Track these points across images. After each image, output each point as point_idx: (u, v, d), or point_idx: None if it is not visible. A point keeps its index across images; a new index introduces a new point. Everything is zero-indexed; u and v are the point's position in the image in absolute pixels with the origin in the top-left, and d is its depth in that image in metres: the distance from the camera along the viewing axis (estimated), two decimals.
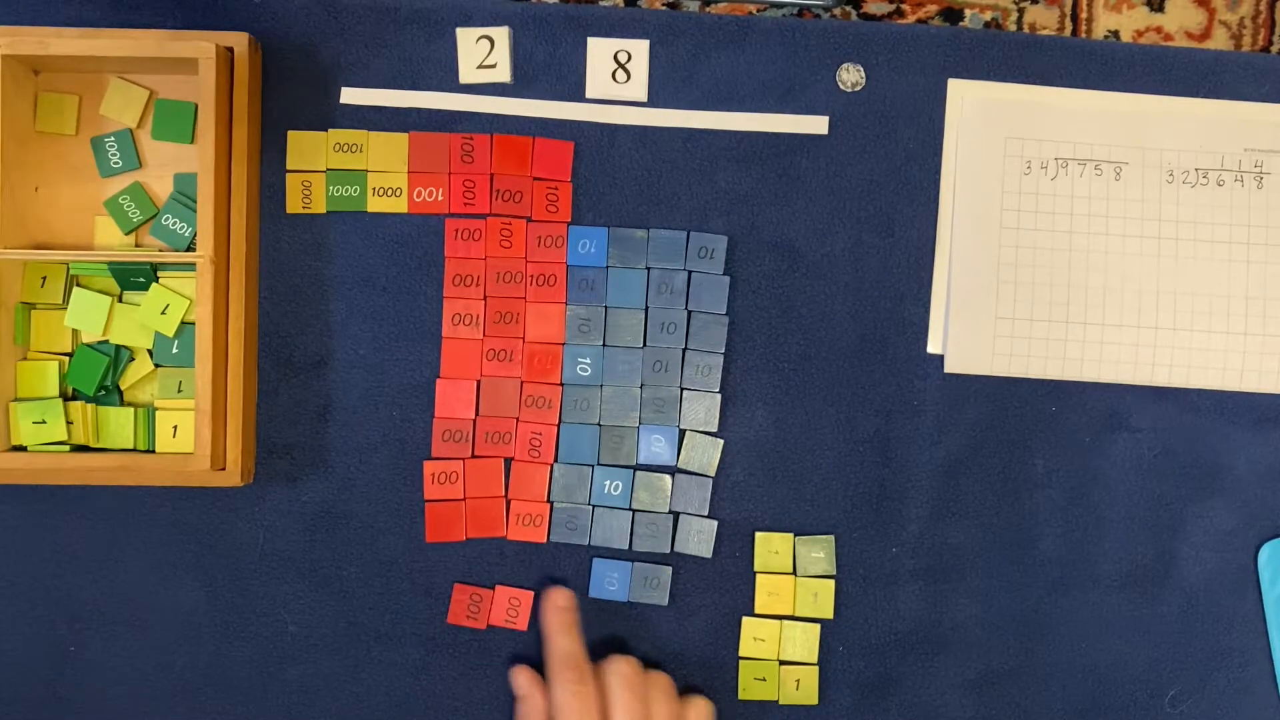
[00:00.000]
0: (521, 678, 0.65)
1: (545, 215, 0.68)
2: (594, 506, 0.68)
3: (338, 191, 0.67)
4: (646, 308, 0.68)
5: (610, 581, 0.68)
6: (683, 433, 0.68)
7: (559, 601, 0.66)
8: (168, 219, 0.66)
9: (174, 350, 0.66)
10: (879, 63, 0.68)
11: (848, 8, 1.19)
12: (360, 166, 0.67)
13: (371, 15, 0.67)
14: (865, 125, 0.68)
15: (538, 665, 0.66)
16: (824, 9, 0.98)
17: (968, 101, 0.68)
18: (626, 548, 0.68)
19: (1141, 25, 1.20)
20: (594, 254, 0.68)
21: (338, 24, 0.67)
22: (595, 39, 0.68)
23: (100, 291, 0.66)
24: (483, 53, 0.68)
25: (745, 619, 0.68)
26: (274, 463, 0.68)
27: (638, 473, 0.68)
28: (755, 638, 0.68)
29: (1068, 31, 1.20)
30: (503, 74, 0.68)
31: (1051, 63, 0.69)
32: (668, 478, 0.68)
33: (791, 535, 0.68)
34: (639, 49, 0.68)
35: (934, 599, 0.69)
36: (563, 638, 0.64)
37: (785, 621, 0.69)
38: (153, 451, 0.66)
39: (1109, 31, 1.20)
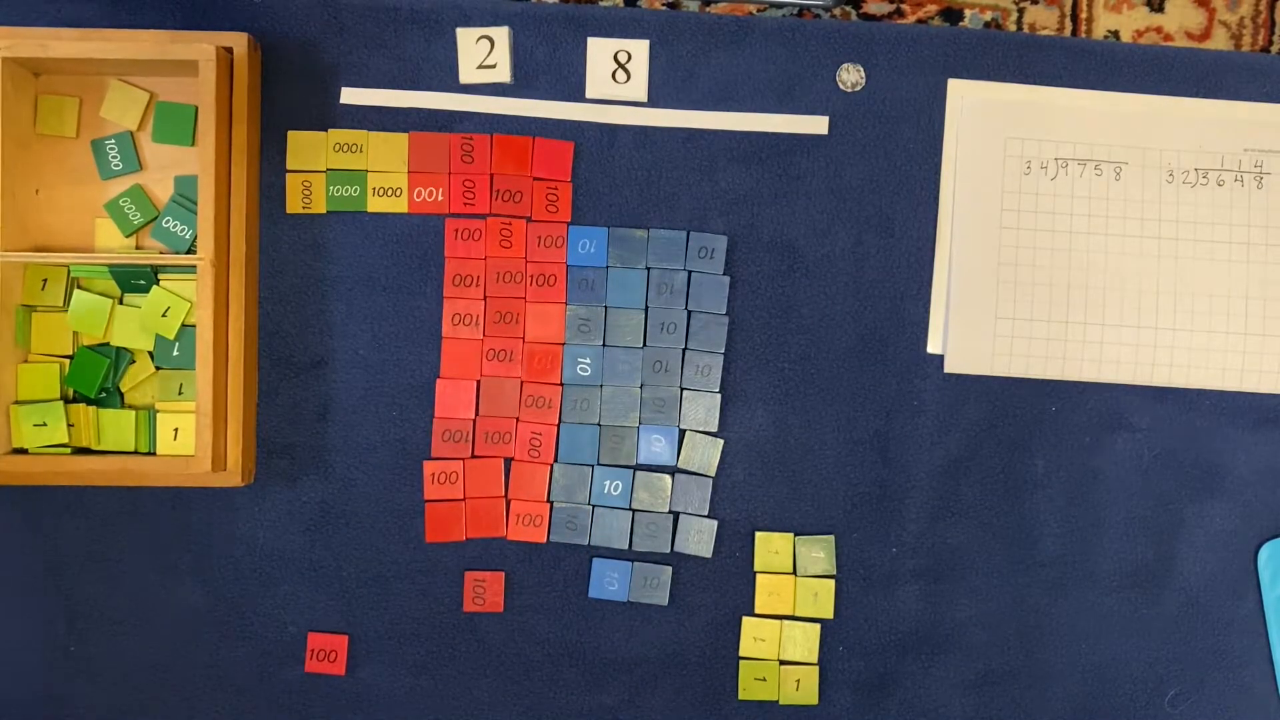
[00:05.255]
0: None
1: (545, 215, 0.68)
2: (594, 506, 0.68)
3: (338, 191, 0.67)
4: (646, 308, 0.68)
5: (610, 581, 0.68)
6: (683, 433, 0.68)
7: None
8: (168, 221, 0.66)
9: (174, 353, 0.66)
10: (879, 63, 0.68)
11: (848, 8, 1.19)
12: (360, 166, 0.67)
13: (371, 15, 0.67)
14: (865, 125, 0.68)
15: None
16: (824, 9, 0.98)
17: (968, 101, 0.68)
18: (626, 548, 0.68)
19: (1141, 25, 1.20)
20: (594, 254, 0.68)
21: (338, 24, 0.67)
22: (595, 39, 0.68)
23: (101, 294, 0.66)
24: (483, 53, 0.68)
25: (745, 619, 0.68)
26: (274, 463, 0.68)
27: (638, 473, 0.68)
28: (755, 638, 0.68)
29: (1068, 31, 1.20)
30: (503, 74, 0.68)
31: (1051, 63, 0.68)
32: (668, 478, 0.68)
33: (791, 535, 0.68)
34: (639, 49, 0.68)
35: (934, 599, 0.69)
36: None
37: (785, 621, 0.69)
38: (153, 454, 0.66)
39: (1109, 31, 1.20)
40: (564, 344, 0.68)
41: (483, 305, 0.68)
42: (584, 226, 0.68)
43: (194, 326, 0.64)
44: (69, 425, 0.65)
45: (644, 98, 0.68)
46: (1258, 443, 0.69)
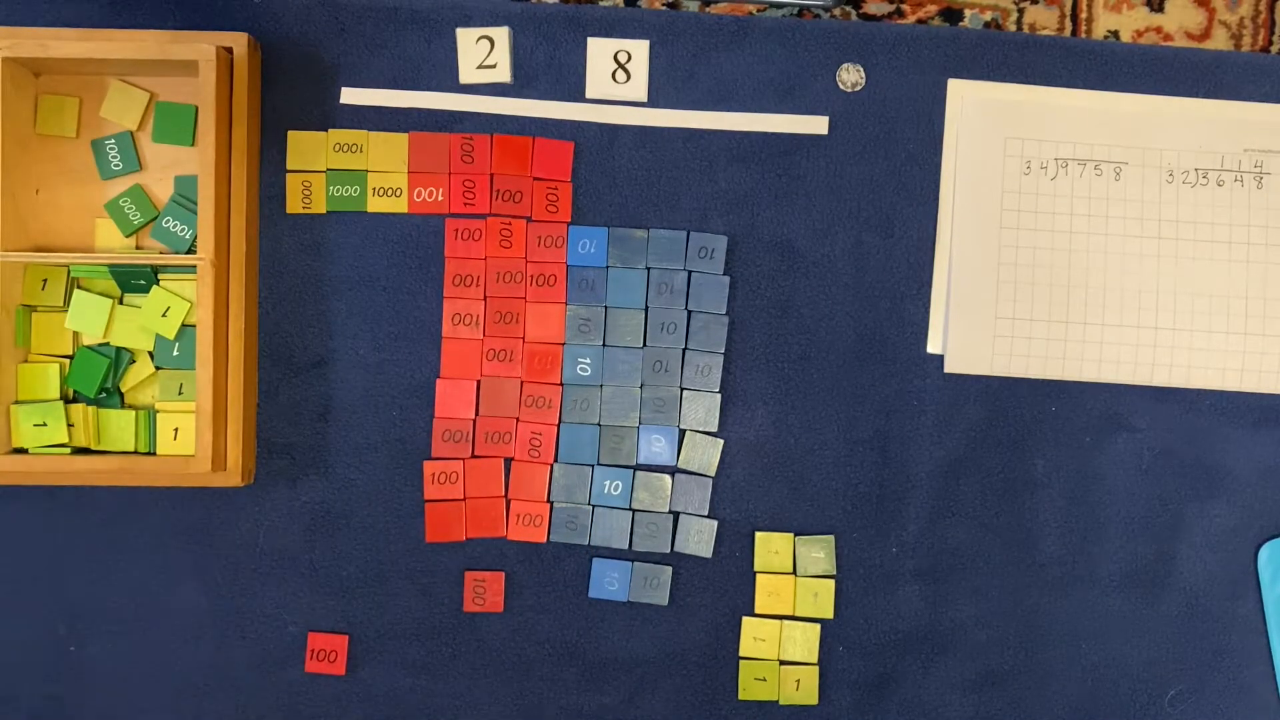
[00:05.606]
0: None
1: (545, 215, 0.68)
2: (594, 506, 0.68)
3: (338, 191, 0.67)
4: (646, 308, 0.68)
5: (610, 581, 0.68)
6: (683, 433, 0.68)
7: None
8: (168, 221, 0.66)
9: (174, 353, 0.66)
10: (879, 63, 0.68)
11: (848, 8, 1.19)
12: (360, 166, 0.67)
13: (371, 15, 0.67)
14: (865, 125, 0.68)
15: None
16: (824, 9, 0.98)
17: (968, 101, 0.68)
18: (626, 548, 0.68)
19: (1141, 25, 1.20)
20: (594, 254, 0.68)
21: (338, 24, 0.67)
22: (595, 39, 0.68)
23: (101, 294, 0.66)
24: (483, 53, 0.68)
25: (745, 619, 0.68)
26: (274, 463, 0.68)
27: (638, 473, 0.68)
28: (755, 638, 0.68)
29: (1068, 31, 1.20)
30: (503, 74, 0.68)
31: (1051, 63, 0.69)
32: (668, 478, 0.68)
33: (791, 535, 0.68)
34: (639, 49, 0.68)
35: (934, 599, 0.69)
36: None
37: (785, 621, 0.69)
38: (153, 454, 0.66)
39: (1109, 31, 1.20)
40: (564, 344, 0.68)
41: (483, 305, 0.68)
42: (584, 226, 0.68)
43: (194, 326, 0.64)
44: (69, 425, 0.65)
45: (644, 98, 0.68)
46: (1258, 443, 0.69)
